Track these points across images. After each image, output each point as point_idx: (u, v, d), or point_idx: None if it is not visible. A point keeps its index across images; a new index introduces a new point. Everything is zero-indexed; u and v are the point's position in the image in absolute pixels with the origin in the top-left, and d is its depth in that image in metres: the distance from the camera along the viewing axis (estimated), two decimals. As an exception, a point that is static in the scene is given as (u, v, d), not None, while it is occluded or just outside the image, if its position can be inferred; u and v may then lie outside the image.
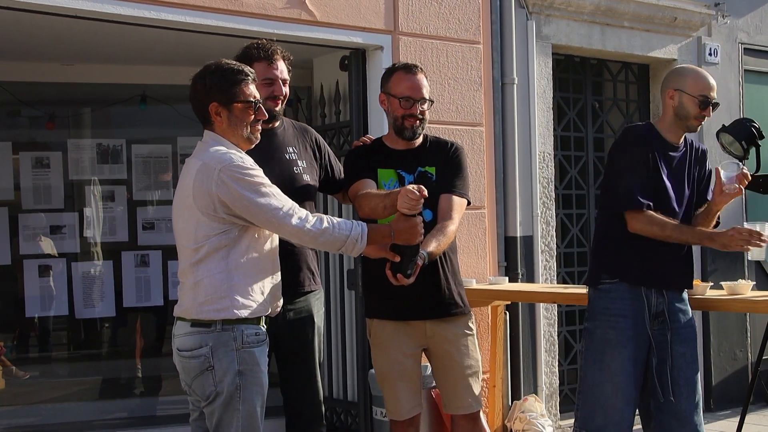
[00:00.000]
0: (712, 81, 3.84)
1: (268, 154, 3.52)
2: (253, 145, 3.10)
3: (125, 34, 4.76)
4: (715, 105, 3.83)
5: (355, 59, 5.17)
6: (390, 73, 3.77)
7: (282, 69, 3.62)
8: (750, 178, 3.79)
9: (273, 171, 3.31)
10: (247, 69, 3.07)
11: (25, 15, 4.25)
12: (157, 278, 6.23)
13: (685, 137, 3.86)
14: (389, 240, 3.14)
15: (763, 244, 3.63)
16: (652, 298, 3.74)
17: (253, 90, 3.06)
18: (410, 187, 3.11)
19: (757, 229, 3.66)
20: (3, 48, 5.26)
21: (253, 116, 3.05)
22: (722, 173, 3.76)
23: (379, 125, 4.87)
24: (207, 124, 3.06)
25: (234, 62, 3.09)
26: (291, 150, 3.67)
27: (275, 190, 2.98)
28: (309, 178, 3.66)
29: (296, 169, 3.63)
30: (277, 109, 3.63)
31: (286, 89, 3.64)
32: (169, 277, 6.18)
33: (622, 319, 3.73)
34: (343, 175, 3.82)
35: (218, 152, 2.97)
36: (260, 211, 2.94)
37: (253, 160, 3.03)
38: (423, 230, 3.16)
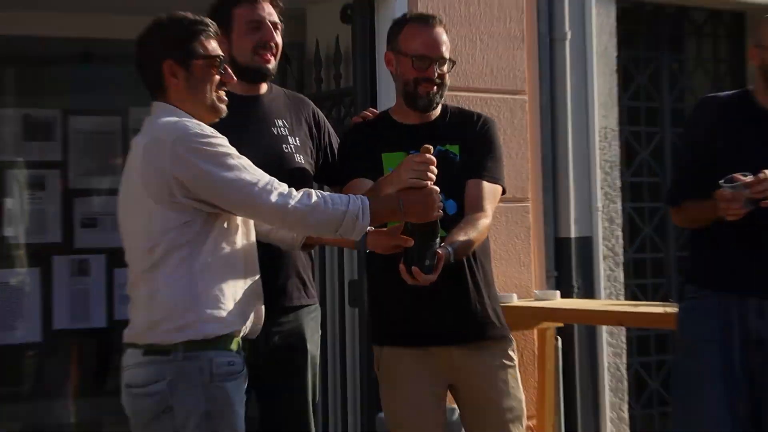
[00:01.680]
0: None
1: (249, 127, 3.58)
2: (219, 117, 3.14)
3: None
4: None
5: (361, 8, 5.20)
6: (399, 25, 3.81)
7: (270, 11, 3.71)
8: None
9: (256, 148, 3.32)
10: (208, 20, 3.16)
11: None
12: (100, 292, 6.26)
13: None
14: (398, 215, 3.18)
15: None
16: (751, 320, 3.75)
17: (215, 46, 3.14)
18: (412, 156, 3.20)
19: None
20: None
21: (217, 76, 3.11)
22: None
23: (391, 93, 4.86)
24: (158, 92, 3.13)
25: (189, 14, 3.17)
26: (281, 123, 3.73)
27: (245, 161, 3.01)
28: (302, 159, 3.71)
29: (286, 148, 3.68)
30: (270, 66, 3.70)
31: (278, 38, 3.70)
32: (115, 290, 6.21)
33: (707, 346, 3.77)
34: None
35: (169, 122, 3.03)
36: (229, 188, 2.96)
37: (214, 129, 3.06)
38: (441, 203, 3.20)
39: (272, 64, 3.70)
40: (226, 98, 3.15)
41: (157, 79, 3.10)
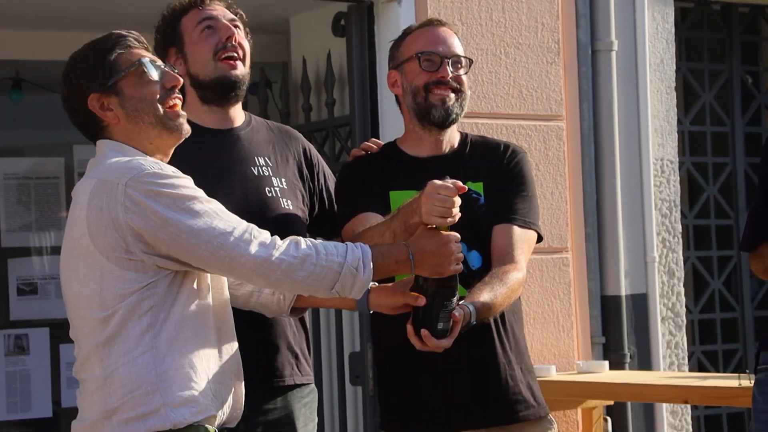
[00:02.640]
0: None
1: (222, 167, 3.66)
2: (182, 136, 3.15)
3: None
4: None
5: (357, 17, 5.27)
6: (400, 39, 3.88)
7: (223, 12, 3.76)
8: None
9: (231, 193, 3.45)
10: (123, 31, 3.15)
11: None
12: (43, 373, 6.30)
13: None
14: (407, 267, 3.17)
15: None
16: None
17: (138, 52, 3.13)
18: (438, 182, 3.17)
19: None
20: None
21: (155, 86, 3.09)
22: None
23: (396, 122, 4.92)
24: (98, 133, 3.14)
25: (112, 32, 3.16)
26: (262, 161, 3.78)
27: (217, 206, 3.01)
28: (291, 205, 3.76)
29: (270, 191, 3.73)
30: (238, 72, 3.72)
31: (241, 37, 3.75)
32: (61, 371, 6.24)
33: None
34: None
35: (119, 162, 3.02)
36: (198, 239, 2.95)
37: (177, 169, 3.04)
38: (461, 254, 3.20)
39: (240, 71, 3.71)
40: (183, 112, 3.13)
41: (90, 119, 3.11)
